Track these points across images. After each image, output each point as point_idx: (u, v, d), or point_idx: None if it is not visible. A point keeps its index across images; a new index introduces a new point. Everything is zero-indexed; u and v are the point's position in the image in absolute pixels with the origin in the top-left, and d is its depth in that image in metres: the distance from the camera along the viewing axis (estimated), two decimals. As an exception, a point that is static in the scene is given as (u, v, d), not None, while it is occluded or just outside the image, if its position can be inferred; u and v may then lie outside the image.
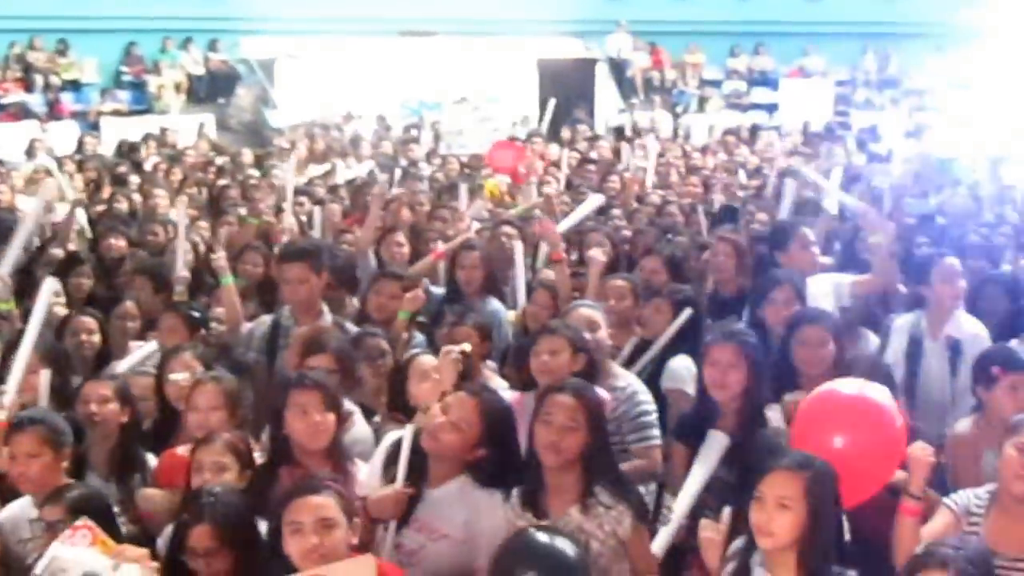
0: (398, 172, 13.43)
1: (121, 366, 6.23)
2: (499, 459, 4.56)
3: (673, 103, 24.00)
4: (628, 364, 6.25)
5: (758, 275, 7.05)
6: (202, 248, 9.02)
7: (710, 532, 4.16)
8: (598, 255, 7.01)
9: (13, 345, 5.72)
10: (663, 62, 25.09)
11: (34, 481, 4.69)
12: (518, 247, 7.59)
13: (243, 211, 10.09)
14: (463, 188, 10.35)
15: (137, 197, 11.62)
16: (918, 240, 8.58)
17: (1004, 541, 4.20)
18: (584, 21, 24.32)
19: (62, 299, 7.27)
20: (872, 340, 6.62)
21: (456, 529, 4.42)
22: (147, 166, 14.97)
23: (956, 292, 6.50)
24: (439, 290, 7.74)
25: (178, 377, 5.59)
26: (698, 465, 4.53)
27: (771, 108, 24.18)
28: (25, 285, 7.37)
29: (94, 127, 19.88)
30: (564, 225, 7.96)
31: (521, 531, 3.87)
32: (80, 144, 17.52)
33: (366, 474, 4.78)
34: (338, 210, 10.40)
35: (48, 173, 12.50)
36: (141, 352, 6.44)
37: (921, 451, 4.19)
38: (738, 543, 4.04)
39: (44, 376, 5.46)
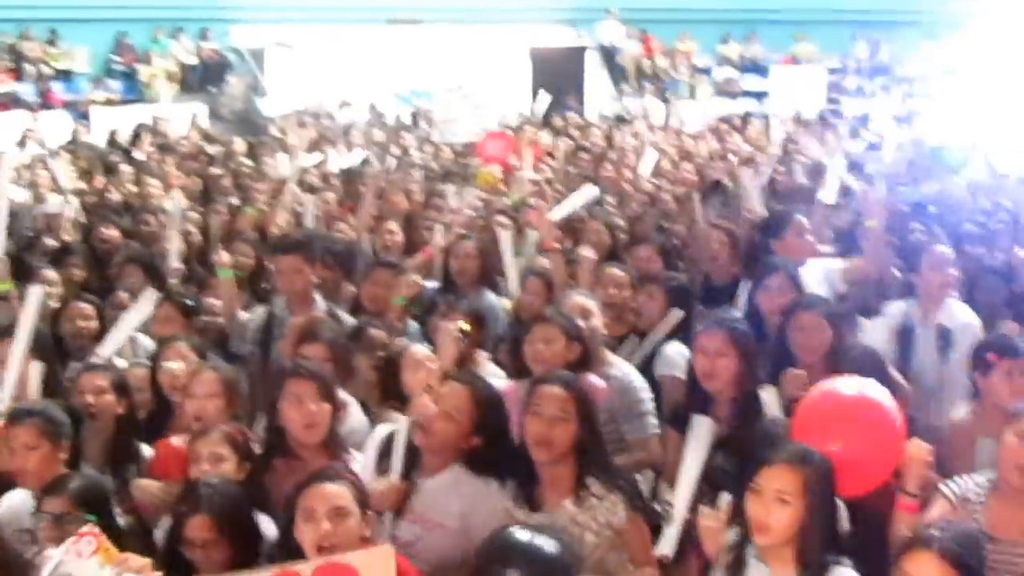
0: (391, 160, 13.42)
1: (105, 349, 6.19)
2: (492, 447, 4.56)
3: (664, 91, 23.99)
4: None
5: (752, 262, 7.05)
6: (196, 238, 9.01)
7: (709, 521, 4.16)
8: (589, 253, 7.01)
9: (7, 330, 5.69)
10: (654, 50, 25.09)
11: (33, 474, 4.66)
12: (505, 235, 7.58)
13: (235, 200, 10.09)
14: (450, 188, 10.30)
15: (130, 187, 11.61)
16: (911, 227, 8.57)
17: (1004, 527, 4.22)
18: (575, 9, 24.35)
19: (57, 289, 7.26)
20: (865, 326, 6.62)
21: (451, 519, 4.43)
22: (140, 155, 14.94)
23: (946, 280, 6.50)
24: (432, 283, 7.74)
25: (172, 366, 5.58)
26: (689, 456, 4.52)
27: (762, 96, 24.17)
28: (19, 273, 7.35)
29: (85, 117, 19.83)
30: (557, 213, 7.95)
31: (501, 530, 3.89)
32: (74, 134, 17.49)
33: (360, 467, 4.78)
34: (333, 198, 10.39)
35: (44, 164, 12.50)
36: (125, 329, 6.39)
37: (918, 450, 4.19)
38: (731, 535, 4.04)
39: (34, 368, 5.45)
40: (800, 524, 3.75)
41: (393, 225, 8.62)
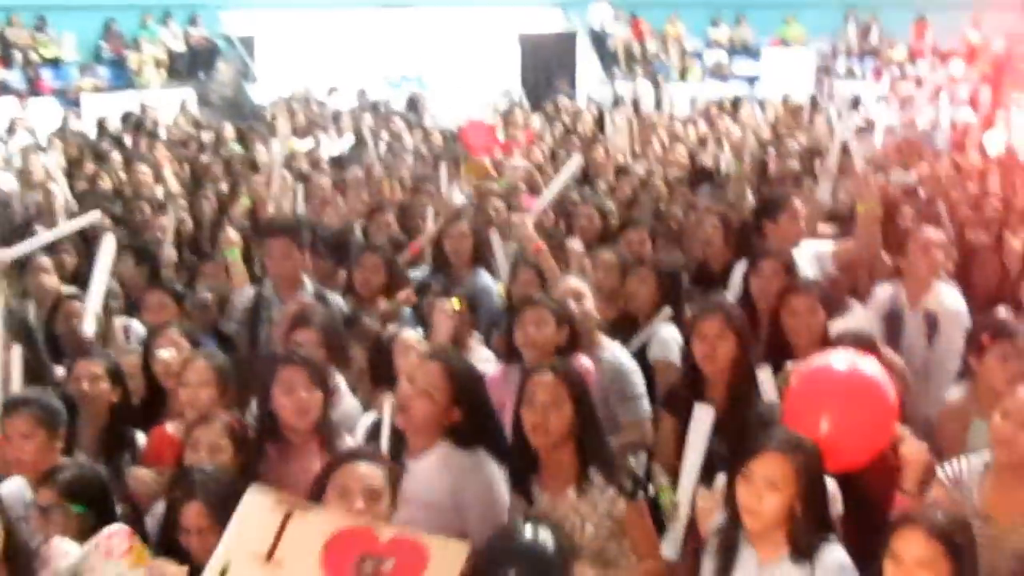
0: (382, 146, 13.41)
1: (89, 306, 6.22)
2: (474, 419, 4.58)
3: (655, 74, 23.97)
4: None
5: (746, 246, 7.05)
6: (186, 225, 9.01)
7: (705, 502, 4.20)
8: (577, 245, 7.02)
9: None
10: (644, 33, 25.06)
11: (29, 463, 4.66)
12: (495, 235, 7.60)
13: (224, 187, 10.10)
14: (443, 168, 10.28)
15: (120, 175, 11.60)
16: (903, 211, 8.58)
17: (999, 507, 4.24)
18: (565, -7, 24.32)
19: (51, 276, 7.27)
20: (859, 310, 6.63)
21: (443, 496, 4.44)
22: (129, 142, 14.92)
23: (933, 263, 6.51)
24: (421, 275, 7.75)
25: (165, 354, 5.59)
26: (691, 447, 4.54)
27: (753, 79, 24.16)
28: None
29: (75, 104, 19.78)
30: (547, 196, 7.96)
31: (503, 530, 3.92)
32: (65, 122, 17.45)
33: None
34: (327, 184, 10.38)
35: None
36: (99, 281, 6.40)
37: (916, 452, 4.21)
38: (719, 520, 4.08)
39: (16, 353, 5.45)
40: (790, 509, 3.79)
41: (388, 216, 8.63)
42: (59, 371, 5.98)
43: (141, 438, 5.37)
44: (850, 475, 4.27)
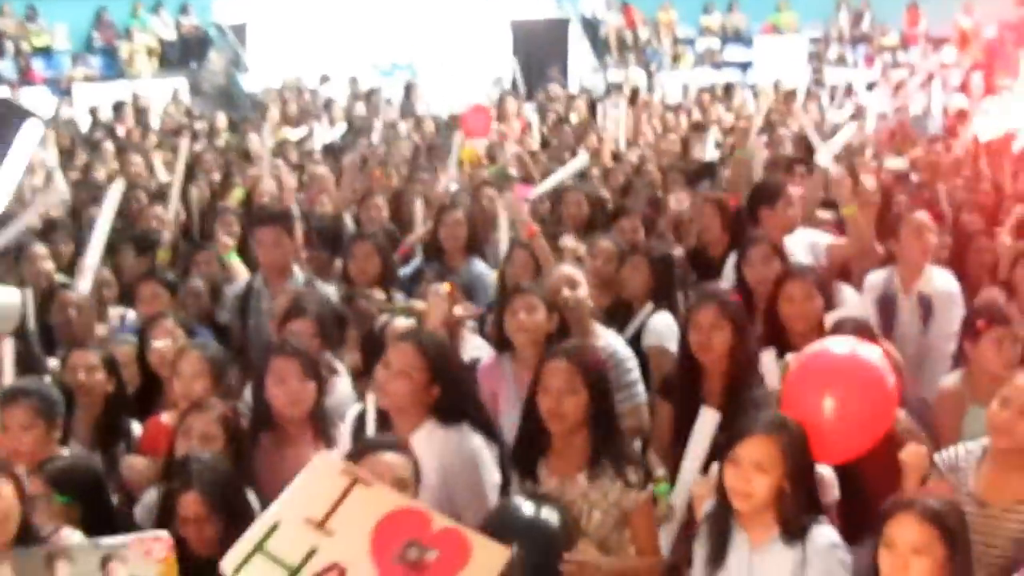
0: (375, 134, 13.40)
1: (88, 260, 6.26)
2: (453, 393, 4.61)
3: (647, 62, 23.95)
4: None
5: (741, 233, 7.04)
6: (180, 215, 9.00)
7: (700, 488, 4.22)
8: (571, 242, 7.03)
9: None
10: (636, 21, 25.03)
11: (27, 454, 4.63)
12: (502, 204, 7.61)
13: (216, 177, 10.09)
14: (455, 146, 10.23)
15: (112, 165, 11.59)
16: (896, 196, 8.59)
17: (995, 492, 4.25)
18: (557, -19, 24.28)
19: (47, 264, 7.27)
20: (850, 295, 6.62)
21: (430, 474, 4.41)
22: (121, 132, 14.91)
23: (926, 247, 6.51)
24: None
25: (160, 344, 5.59)
26: (691, 449, 4.55)
27: (745, 66, 24.15)
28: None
29: (66, 93, 19.73)
30: (546, 185, 7.97)
31: (506, 504, 3.94)
32: (57, 111, 17.42)
33: (339, 448, 4.80)
34: (323, 172, 10.36)
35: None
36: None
37: (915, 455, 4.22)
38: (708, 506, 4.10)
39: (7, 346, 5.44)
40: (778, 490, 3.82)
41: (378, 201, 8.63)
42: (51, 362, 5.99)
43: (137, 428, 5.38)
44: (850, 472, 4.29)
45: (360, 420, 4.77)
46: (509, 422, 5.35)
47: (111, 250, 7.55)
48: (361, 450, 4.03)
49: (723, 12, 25.84)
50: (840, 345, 4.35)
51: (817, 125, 11.95)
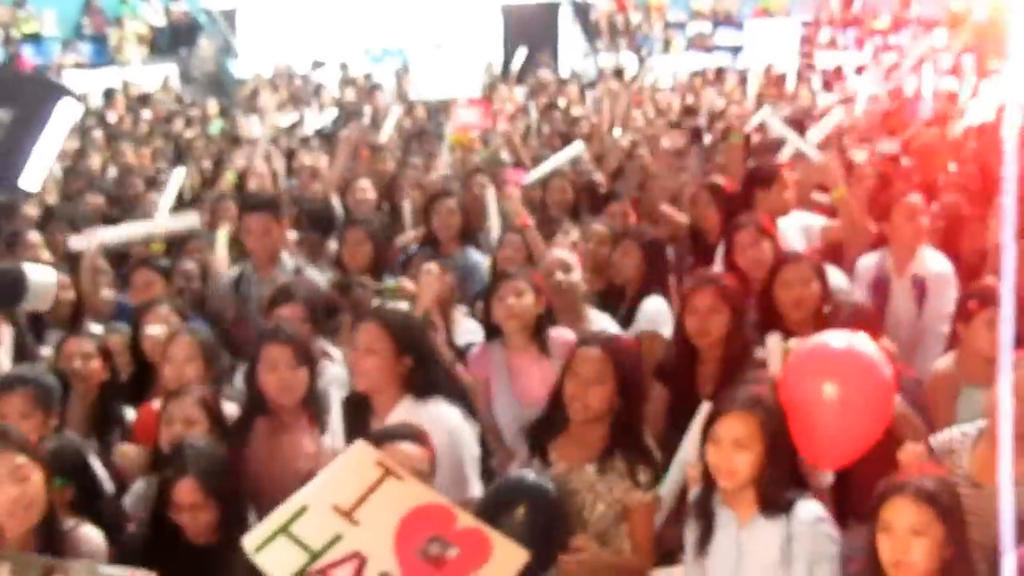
0: (366, 120, 13.39)
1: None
2: (425, 365, 4.61)
3: (638, 47, 23.93)
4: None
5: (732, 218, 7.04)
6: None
7: (693, 470, 4.23)
8: (569, 234, 7.04)
9: None
10: (627, 6, 24.99)
11: None
12: (490, 193, 7.61)
13: (206, 163, 10.08)
14: (446, 133, 10.23)
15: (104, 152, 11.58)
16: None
17: (990, 473, 4.25)
18: (547, -36, 24.20)
19: (44, 252, 7.26)
20: (838, 278, 6.62)
21: None
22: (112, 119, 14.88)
23: (918, 229, 6.53)
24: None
25: (154, 330, 5.59)
26: (687, 442, 4.56)
27: (736, 50, 24.13)
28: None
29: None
30: (538, 172, 7.97)
31: (512, 472, 3.97)
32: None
33: (330, 436, 4.81)
34: (312, 158, 10.35)
35: None
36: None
37: (913, 455, 4.23)
38: (696, 491, 4.13)
39: (5, 333, 5.43)
40: (760, 466, 3.85)
41: (364, 183, 8.62)
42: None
43: (131, 415, 5.38)
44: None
45: (348, 406, 4.78)
46: (502, 408, 5.38)
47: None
48: (382, 438, 4.03)
49: (714, -4, 25.87)
50: (838, 340, 4.27)
51: (808, 109, 11.96)
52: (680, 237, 7.75)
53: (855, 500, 4.10)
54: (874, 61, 21.35)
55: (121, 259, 7.25)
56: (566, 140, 10.66)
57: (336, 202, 8.45)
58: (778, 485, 3.88)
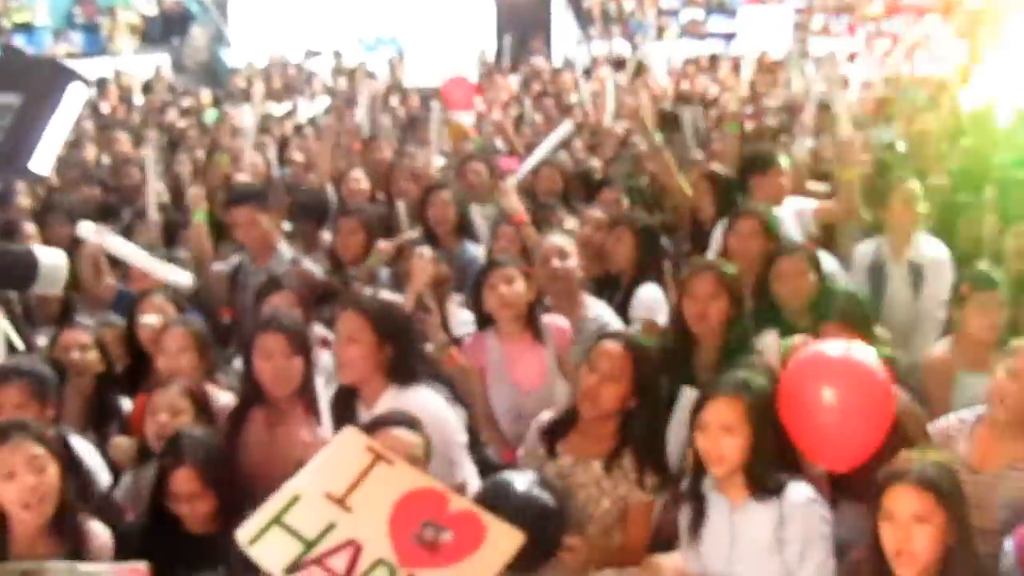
0: (360, 109, 13.35)
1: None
2: (405, 351, 4.62)
3: (631, 34, 23.89)
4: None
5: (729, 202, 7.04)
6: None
7: (691, 456, 4.24)
8: (570, 223, 7.04)
9: None
10: (620, -8, 24.97)
11: None
12: (475, 210, 7.60)
13: (199, 153, 10.06)
14: (438, 120, 10.19)
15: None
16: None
17: (987, 458, 4.27)
18: (540, -48, 24.11)
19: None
20: (830, 264, 6.60)
21: None
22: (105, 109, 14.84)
23: (915, 215, 6.54)
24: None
25: (150, 320, 5.58)
26: (675, 430, 4.58)
27: (730, 37, 24.10)
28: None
29: (50, 70, 19.56)
30: (533, 159, 7.96)
31: (499, 478, 3.97)
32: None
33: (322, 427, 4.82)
34: (306, 147, 10.32)
35: None
36: None
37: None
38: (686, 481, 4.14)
39: (2, 322, 5.41)
40: (749, 451, 3.86)
41: (357, 173, 8.60)
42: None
43: (128, 406, 5.37)
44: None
45: (337, 397, 4.78)
46: (498, 397, 5.37)
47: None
48: (374, 425, 4.03)
49: (707, -18, 25.80)
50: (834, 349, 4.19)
51: (802, 96, 11.94)
52: (679, 224, 7.74)
53: (848, 480, 4.09)
54: (866, 48, 21.34)
55: None
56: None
57: (331, 193, 8.45)
58: (768, 468, 3.90)
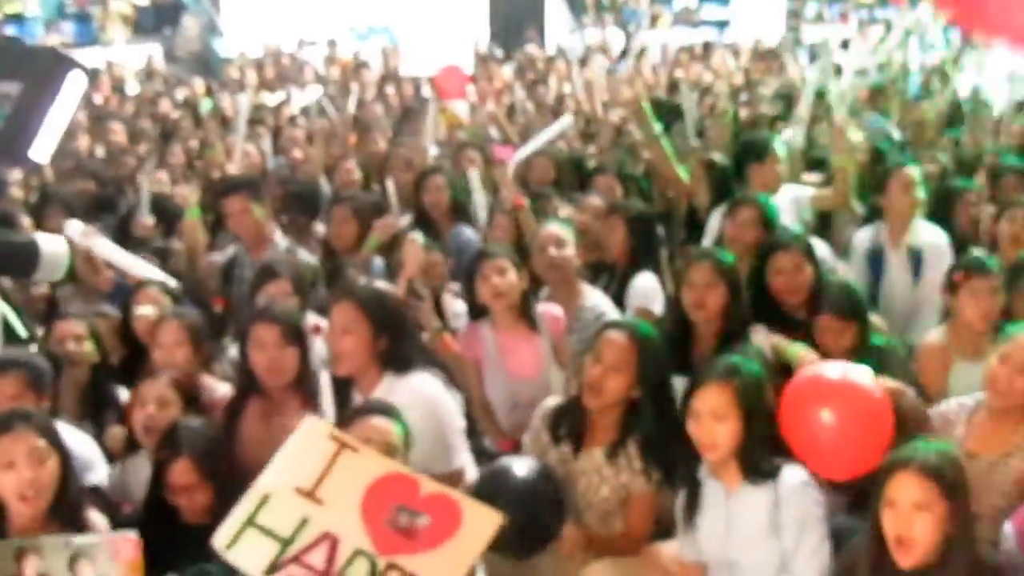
0: (353, 99, 13.32)
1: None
2: (400, 340, 4.63)
3: (625, 22, 23.84)
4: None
5: (725, 190, 7.04)
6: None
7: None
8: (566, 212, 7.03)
9: None
10: (614, -19, 24.91)
11: None
12: (474, 174, 7.58)
13: (193, 143, 10.03)
14: (432, 109, 10.17)
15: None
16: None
17: (985, 444, 4.28)
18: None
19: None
20: (824, 253, 6.59)
21: None
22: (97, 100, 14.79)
23: (913, 201, 6.53)
24: None
25: (145, 311, 5.57)
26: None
27: (723, 25, 24.06)
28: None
29: (40, 61, 19.50)
30: (529, 148, 7.96)
31: (499, 464, 3.97)
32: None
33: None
34: (300, 137, 10.29)
35: None
36: None
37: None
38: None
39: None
40: (740, 436, 3.88)
41: (350, 164, 8.58)
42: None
43: (126, 395, 5.36)
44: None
45: (334, 386, 4.78)
46: (494, 386, 5.38)
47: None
48: (352, 414, 4.03)
49: (700, -30, 25.74)
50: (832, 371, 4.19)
51: (797, 83, 11.93)
52: (674, 212, 7.74)
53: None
54: (859, 35, 21.30)
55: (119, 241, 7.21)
56: (554, 116, 10.61)
57: (324, 184, 8.44)
58: (761, 452, 3.92)
